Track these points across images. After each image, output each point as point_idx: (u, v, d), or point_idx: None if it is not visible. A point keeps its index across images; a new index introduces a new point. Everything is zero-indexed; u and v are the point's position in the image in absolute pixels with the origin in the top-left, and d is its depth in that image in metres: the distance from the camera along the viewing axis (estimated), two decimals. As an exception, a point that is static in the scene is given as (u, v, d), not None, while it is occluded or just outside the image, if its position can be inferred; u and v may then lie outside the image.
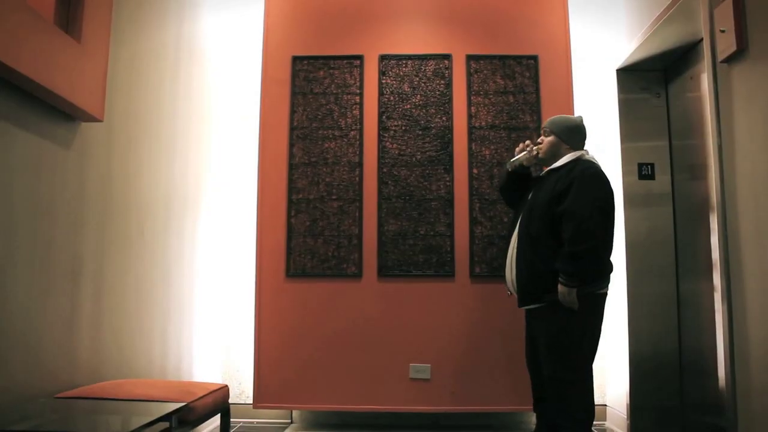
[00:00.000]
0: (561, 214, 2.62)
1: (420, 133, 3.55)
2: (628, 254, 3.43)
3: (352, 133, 3.56)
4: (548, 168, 2.85)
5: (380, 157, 3.52)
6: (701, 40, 2.81)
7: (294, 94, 3.61)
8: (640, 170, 3.49)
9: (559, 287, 2.57)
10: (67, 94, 2.00)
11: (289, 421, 3.69)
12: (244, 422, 3.64)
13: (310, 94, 3.61)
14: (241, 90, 3.94)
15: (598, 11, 3.88)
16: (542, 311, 2.71)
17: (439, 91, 3.58)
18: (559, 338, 2.63)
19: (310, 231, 3.49)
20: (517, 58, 3.60)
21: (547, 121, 2.91)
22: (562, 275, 2.57)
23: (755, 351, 2.23)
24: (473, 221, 3.48)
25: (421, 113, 3.57)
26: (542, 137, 2.88)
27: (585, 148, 2.89)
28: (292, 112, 3.59)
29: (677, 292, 3.39)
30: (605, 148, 3.73)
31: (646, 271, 3.42)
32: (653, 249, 3.43)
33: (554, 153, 2.83)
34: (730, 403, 2.37)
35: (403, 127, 3.55)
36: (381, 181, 3.51)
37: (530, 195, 2.84)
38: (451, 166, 3.51)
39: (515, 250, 2.79)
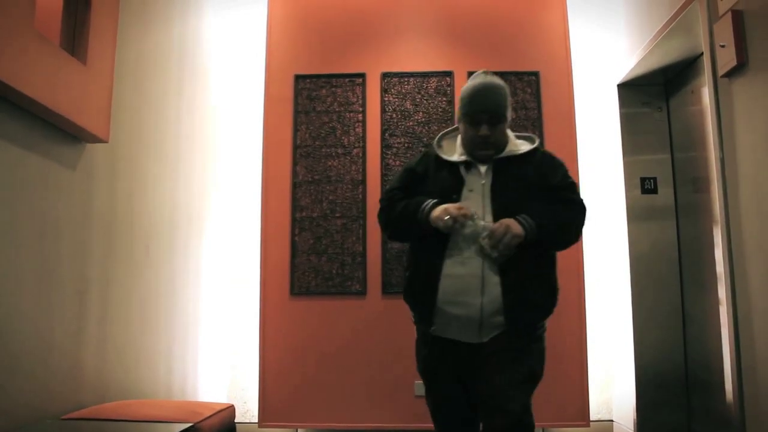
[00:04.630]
0: (556, 189, 2.19)
1: (423, 150, 3.56)
2: (633, 268, 3.42)
3: (355, 150, 3.57)
4: (500, 156, 2.21)
5: (383, 175, 3.53)
6: (701, 54, 2.83)
7: (297, 112, 3.63)
8: (643, 184, 3.49)
9: (516, 227, 2.03)
10: (73, 116, 2.02)
11: (295, 440, 3.67)
12: (249, 442, 3.63)
13: (313, 112, 3.63)
14: (244, 109, 3.97)
15: (598, 27, 3.91)
16: (515, 338, 2.08)
17: (441, 108, 3.59)
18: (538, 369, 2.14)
19: (314, 249, 3.49)
20: (519, 75, 3.62)
21: (488, 100, 2.19)
22: (536, 218, 2.07)
23: (762, 365, 2.22)
24: (477, 237, 3.48)
25: (424, 130, 3.58)
26: (485, 129, 2.17)
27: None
28: (295, 130, 3.61)
29: (682, 305, 3.38)
30: (607, 162, 3.74)
31: (651, 285, 3.41)
32: (657, 263, 3.42)
33: (505, 140, 2.25)
34: (737, 416, 2.36)
35: (406, 144, 3.56)
36: (384, 199, 3.52)
37: (486, 189, 2.17)
38: (454, 182, 3.52)
39: (486, 269, 2.06)
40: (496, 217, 2.08)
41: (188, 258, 3.17)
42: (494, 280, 2.06)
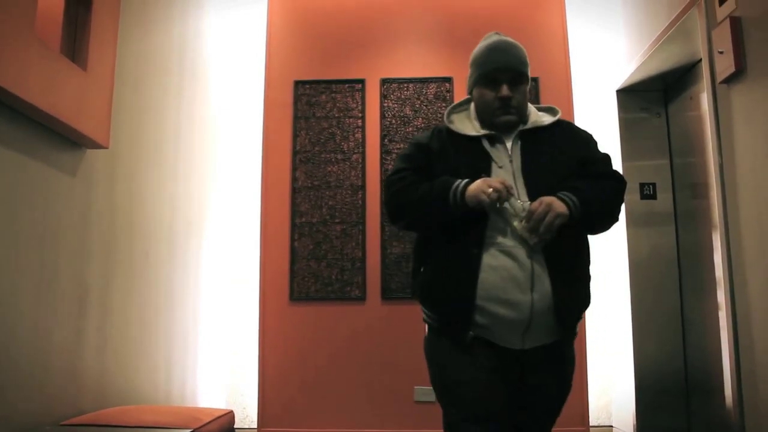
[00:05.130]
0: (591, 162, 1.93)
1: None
2: (632, 273, 3.42)
3: (355, 156, 3.58)
4: (525, 128, 1.92)
5: (383, 180, 3.54)
6: (700, 60, 2.84)
7: (296, 118, 3.64)
8: (642, 190, 3.50)
9: (559, 205, 1.73)
10: (73, 122, 2.02)
11: (294, 445, 3.67)
12: (248, 447, 3.62)
13: (313, 118, 3.64)
14: (244, 114, 3.97)
15: (597, 33, 3.92)
16: (557, 348, 1.84)
17: (440, 113, 3.60)
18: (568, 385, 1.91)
19: (314, 254, 3.49)
20: (518, 80, 3.62)
21: (509, 55, 1.93)
22: (579, 195, 1.78)
23: (761, 369, 2.22)
24: (476, 242, 3.48)
25: (423, 136, 3.59)
26: (505, 89, 1.88)
27: None
28: (295, 136, 3.61)
29: (682, 310, 3.38)
30: (606, 168, 3.74)
31: (650, 290, 3.41)
32: (657, 268, 3.42)
33: (526, 107, 1.97)
34: (737, 421, 2.36)
35: (405, 150, 3.57)
36: (384, 205, 3.52)
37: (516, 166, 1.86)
38: (454, 187, 3.53)
39: (535, 259, 1.75)
40: (532, 197, 1.77)
41: (188, 263, 3.17)
42: (543, 273, 1.74)
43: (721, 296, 2.49)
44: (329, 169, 3.57)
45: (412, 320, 3.42)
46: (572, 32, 3.82)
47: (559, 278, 1.76)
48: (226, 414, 2.28)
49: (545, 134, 1.92)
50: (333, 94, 3.66)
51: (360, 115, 3.62)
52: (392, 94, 3.64)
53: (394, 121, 3.61)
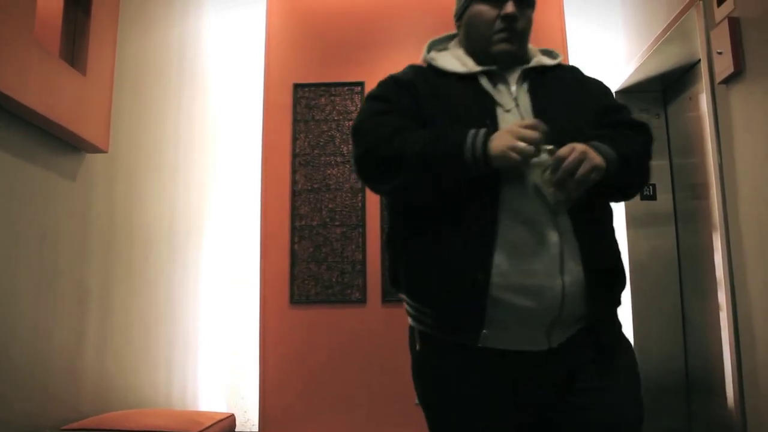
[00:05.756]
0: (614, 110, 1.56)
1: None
2: (632, 274, 3.42)
3: (354, 158, 3.57)
4: (528, 66, 1.52)
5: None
6: (699, 61, 2.84)
7: (295, 121, 3.64)
8: (642, 191, 3.50)
9: (595, 155, 1.31)
10: (73, 126, 2.02)
11: (295, 449, 3.66)
12: (249, 451, 3.61)
13: (312, 121, 3.64)
14: (243, 117, 3.97)
15: (596, 34, 3.92)
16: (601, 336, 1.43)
17: (439, 115, 3.60)
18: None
19: (314, 257, 3.49)
20: (517, 82, 3.63)
21: None
22: (613, 146, 1.38)
23: (763, 369, 2.22)
24: (476, 244, 3.48)
25: (422, 138, 3.59)
26: (511, 6, 1.47)
27: None
28: (294, 139, 3.62)
29: (682, 311, 3.38)
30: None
31: (651, 291, 3.41)
32: (657, 269, 3.42)
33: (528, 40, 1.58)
34: (739, 422, 2.36)
35: (405, 152, 3.57)
36: (383, 207, 3.52)
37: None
38: (453, 189, 3.53)
39: (561, 234, 1.32)
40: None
41: (188, 266, 3.17)
42: (574, 249, 1.32)
43: (722, 296, 2.49)
44: (329, 171, 3.57)
45: (413, 322, 3.42)
46: (571, 32, 3.82)
47: (592, 255, 1.34)
48: (227, 417, 2.28)
49: (553, 77, 1.53)
50: (332, 97, 3.66)
51: (359, 117, 3.62)
52: (391, 96, 3.64)
53: (393, 124, 3.60)
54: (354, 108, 3.63)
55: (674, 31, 2.84)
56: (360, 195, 3.53)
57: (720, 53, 2.41)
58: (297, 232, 3.52)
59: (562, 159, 1.28)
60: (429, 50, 1.62)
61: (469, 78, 1.48)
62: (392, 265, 1.48)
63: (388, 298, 3.43)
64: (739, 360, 2.37)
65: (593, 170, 1.29)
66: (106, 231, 2.39)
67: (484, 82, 1.46)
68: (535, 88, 1.47)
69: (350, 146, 3.56)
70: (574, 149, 1.29)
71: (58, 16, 2.12)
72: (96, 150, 2.23)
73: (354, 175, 3.55)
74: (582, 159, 1.28)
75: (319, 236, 3.51)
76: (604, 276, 1.37)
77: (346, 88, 3.66)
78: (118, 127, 2.47)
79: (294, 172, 3.58)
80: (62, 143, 2.08)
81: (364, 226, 3.50)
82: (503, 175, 1.33)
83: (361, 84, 3.66)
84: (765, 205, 2.18)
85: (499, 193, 1.32)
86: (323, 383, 3.40)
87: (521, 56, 1.53)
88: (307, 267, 3.49)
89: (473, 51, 1.53)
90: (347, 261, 3.48)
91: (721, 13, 2.42)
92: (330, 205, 3.54)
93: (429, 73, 1.54)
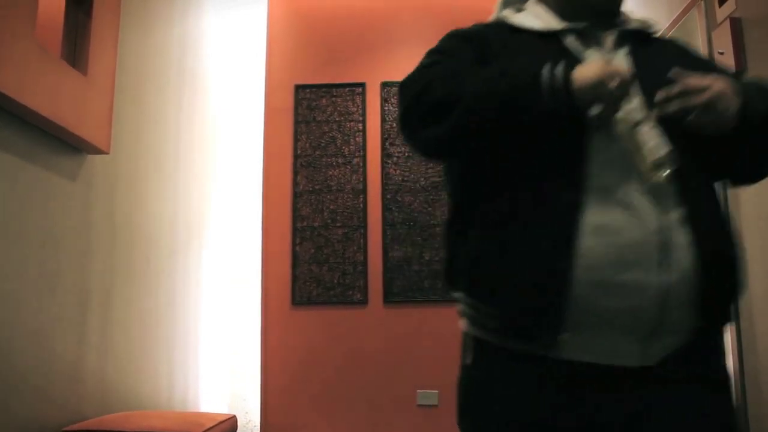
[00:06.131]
0: None
1: (423, 158, 3.57)
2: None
3: (356, 160, 3.58)
4: (629, 28, 1.22)
5: (384, 184, 3.54)
6: (700, 61, 2.83)
7: (297, 122, 3.64)
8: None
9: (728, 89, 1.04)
10: (74, 127, 2.02)
11: (297, 450, 3.66)
12: (251, 452, 3.61)
13: (313, 122, 3.64)
14: (244, 118, 3.97)
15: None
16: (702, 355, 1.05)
17: (440, 116, 3.60)
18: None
19: (315, 258, 3.49)
20: (518, 83, 3.62)
21: None
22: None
23: (765, 370, 2.21)
24: (478, 245, 3.48)
25: (424, 139, 3.59)
26: None
27: None
28: (296, 140, 3.62)
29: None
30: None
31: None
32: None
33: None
34: (740, 421, 2.35)
35: (406, 153, 3.57)
36: (385, 208, 3.52)
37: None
38: (455, 190, 3.53)
39: (664, 213, 1.01)
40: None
41: (189, 268, 3.17)
42: (681, 237, 1.00)
43: (724, 298, 2.48)
44: (330, 173, 3.57)
45: (414, 323, 3.42)
46: (572, 34, 3.82)
47: (709, 246, 1.02)
48: (228, 419, 2.28)
49: (655, 43, 1.24)
50: (333, 98, 3.66)
51: (360, 118, 3.62)
52: (393, 97, 3.64)
53: (395, 125, 3.61)
54: (355, 109, 3.63)
55: (676, 31, 2.84)
56: (361, 196, 3.53)
57: (721, 53, 2.40)
58: (298, 233, 3.52)
59: (688, 86, 1.02)
60: (503, 8, 1.35)
61: (551, 36, 1.20)
62: (449, 257, 1.19)
63: (389, 299, 3.43)
64: (741, 360, 2.36)
65: (721, 97, 1.01)
66: (107, 232, 2.39)
67: (570, 41, 1.18)
68: (637, 56, 1.16)
69: (351, 147, 3.56)
70: (704, 78, 1.04)
71: (60, 16, 2.12)
72: (97, 151, 2.23)
73: (355, 176, 3.54)
74: (709, 86, 1.02)
75: (320, 237, 3.51)
76: (723, 275, 1.05)
77: (348, 89, 3.66)
78: (119, 128, 2.47)
79: (295, 173, 3.58)
80: (63, 144, 2.08)
81: (365, 227, 3.50)
82: (593, 144, 1.05)
83: (362, 85, 3.66)
84: (765, 206, 2.17)
85: (584, 165, 1.04)
86: (325, 384, 3.40)
87: (617, 10, 1.23)
88: (308, 268, 3.49)
89: (559, 5, 1.24)
90: (349, 262, 3.48)
91: (722, 13, 2.41)
92: (331, 206, 3.54)
93: (502, 28, 1.28)
